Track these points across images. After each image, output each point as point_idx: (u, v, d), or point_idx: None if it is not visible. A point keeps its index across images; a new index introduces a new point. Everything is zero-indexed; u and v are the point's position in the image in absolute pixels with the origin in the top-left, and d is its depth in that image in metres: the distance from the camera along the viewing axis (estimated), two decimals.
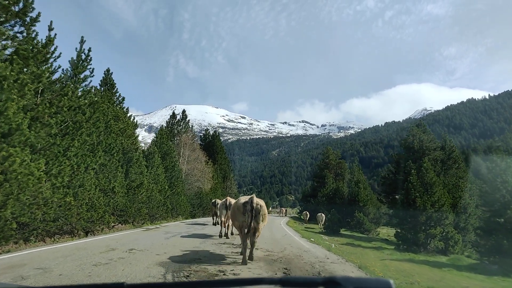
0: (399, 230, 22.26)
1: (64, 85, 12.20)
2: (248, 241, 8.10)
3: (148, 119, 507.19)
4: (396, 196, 28.96)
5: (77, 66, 14.22)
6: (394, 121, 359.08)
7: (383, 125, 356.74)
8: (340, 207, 40.92)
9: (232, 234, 14.56)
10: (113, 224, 16.25)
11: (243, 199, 8.53)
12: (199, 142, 55.48)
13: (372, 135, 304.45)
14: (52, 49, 12.27)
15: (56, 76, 12.80)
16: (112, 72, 19.68)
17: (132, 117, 25.39)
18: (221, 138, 64.37)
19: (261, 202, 8.36)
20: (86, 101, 14.11)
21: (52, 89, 12.39)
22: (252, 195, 8.49)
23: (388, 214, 37.39)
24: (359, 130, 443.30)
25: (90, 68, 14.79)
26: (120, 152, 17.96)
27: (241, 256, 8.26)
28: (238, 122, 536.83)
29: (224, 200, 14.14)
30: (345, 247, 17.63)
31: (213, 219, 20.66)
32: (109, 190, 14.74)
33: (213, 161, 49.70)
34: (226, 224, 14.07)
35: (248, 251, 8.13)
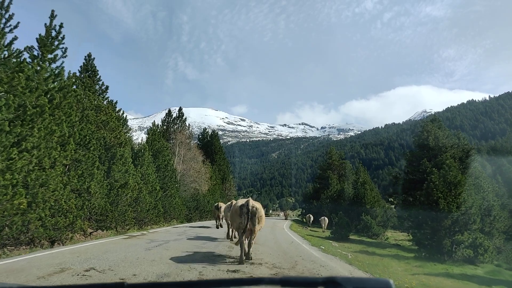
0: (416, 235, 19.90)
1: (21, 61, 9.88)
2: (246, 242, 8.69)
3: (147, 122, 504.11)
4: (410, 198, 26.49)
5: (44, 44, 11.89)
6: (394, 123, 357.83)
7: (383, 127, 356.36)
8: (345, 209, 38.67)
9: (235, 237, 13.95)
10: (90, 231, 13.87)
11: (241, 201, 8.96)
12: (197, 142, 53.11)
13: (372, 137, 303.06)
14: (7, 16, 10.01)
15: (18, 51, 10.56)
16: (94, 58, 17.28)
17: (119, 110, 23.04)
18: (220, 140, 61.94)
19: (257, 205, 8.69)
20: (55, 84, 11.79)
21: (7, 65, 10.10)
22: (248, 198, 8.80)
23: (397, 216, 34.93)
24: (359, 132, 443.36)
25: (63, 48, 12.49)
26: (100, 147, 15.60)
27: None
28: (238, 125, 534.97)
29: (229, 203, 14.40)
30: (360, 256, 15.27)
31: (216, 222, 21.19)
32: (84, 190, 12.36)
33: (211, 161, 47.28)
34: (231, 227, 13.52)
35: (245, 251, 8.62)
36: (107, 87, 17.47)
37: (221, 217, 19.89)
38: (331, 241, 21.44)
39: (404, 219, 35.85)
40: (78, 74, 16.70)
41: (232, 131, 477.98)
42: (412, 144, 36.21)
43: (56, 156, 10.82)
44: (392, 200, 33.54)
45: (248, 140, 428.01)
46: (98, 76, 17.31)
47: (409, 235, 29.88)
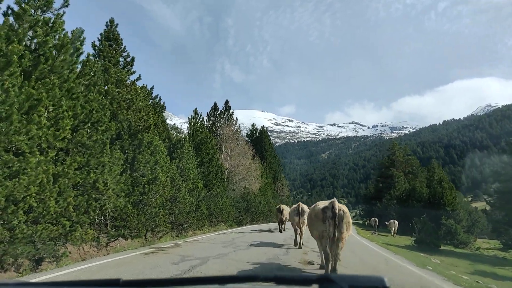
0: None
1: None
2: (330, 254, 6.87)
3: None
4: None
5: None
6: (453, 118, 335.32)
7: (441, 123, 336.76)
8: (419, 212, 33.04)
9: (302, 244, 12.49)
10: (107, 241, 10.27)
11: (322, 204, 7.46)
12: (246, 139, 49.44)
13: (430, 135, 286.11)
14: None
15: None
16: (117, 24, 13.93)
17: (155, 97, 19.73)
18: None
19: (344, 208, 7.11)
20: (47, 38, 8.30)
21: None
22: (333, 200, 7.18)
23: (491, 220, 28.69)
24: (414, 129, 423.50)
25: None
26: (123, 132, 12.07)
27: None
28: (286, 125, 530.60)
29: (295, 205, 12.86)
30: (485, 280, 10.35)
31: (279, 225, 20.16)
32: (89, 186, 8.75)
33: (261, 159, 43.33)
34: (299, 232, 12.43)
35: (330, 265, 6.81)
36: (132, 59, 14.01)
37: (284, 220, 19.10)
38: (420, 253, 16.45)
39: (495, 223, 29.33)
40: (97, 43, 13.37)
41: (280, 132, 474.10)
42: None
43: (40, 135, 7.25)
44: (491, 201, 27.28)
45: (296, 141, 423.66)
46: (122, 47, 13.92)
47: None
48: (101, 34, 13.50)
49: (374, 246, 15.88)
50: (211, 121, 37.17)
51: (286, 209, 20.45)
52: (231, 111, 38.89)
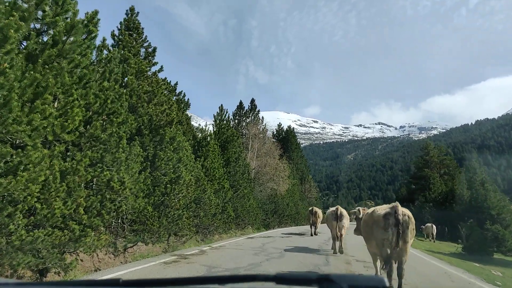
0: None
1: None
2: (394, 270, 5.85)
3: None
4: None
5: None
6: (487, 118, 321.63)
7: (473, 123, 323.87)
8: (459, 216, 30.76)
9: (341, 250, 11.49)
10: (125, 247, 9.21)
11: (381, 209, 6.52)
12: (272, 139, 48.13)
13: (461, 135, 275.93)
14: None
15: None
16: (138, 13, 12.94)
17: (179, 93, 18.75)
18: None
19: (408, 212, 6.20)
20: (57, 18, 7.35)
21: None
22: (395, 204, 6.26)
23: None
24: (444, 130, 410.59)
25: None
26: (144, 126, 11.06)
27: None
28: (310, 127, 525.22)
29: (333, 209, 12.05)
30: None
31: (311, 229, 19.51)
32: (104, 185, 7.70)
33: (288, 159, 41.93)
34: (339, 237, 11.41)
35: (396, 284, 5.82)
36: (154, 49, 13.01)
37: (316, 223, 18.92)
38: (472, 262, 14.65)
39: None
40: (117, 33, 12.44)
41: (304, 133, 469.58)
42: None
43: (45, 126, 6.24)
44: None
45: (321, 142, 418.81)
46: (143, 37, 12.95)
47: None
48: (120, 23, 12.56)
49: (420, 253, 14.21)
50: (236, 120, 36.11)
51: (319, 212, 19.36)
52: (257, 109, 37.74)
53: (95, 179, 7.56)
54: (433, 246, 23.11)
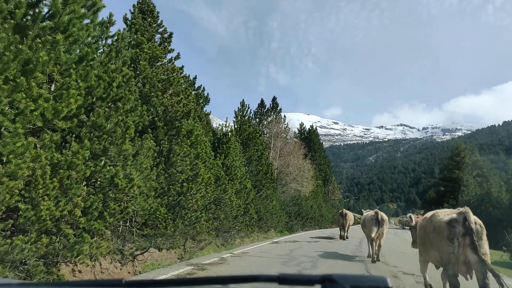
0: None
1: None
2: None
3: None
4: None
5: None
6: None
7: (500, 124, 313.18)
8: (497, 220, 28.52)
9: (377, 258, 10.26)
10: (136, 254, 7.99)
11: (444, 214, 5.14)
12: (295, 139, 46.67)
13: (488, 137, 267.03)
14: None
15: None
16: None
17: (198, 87, 17.61)
18: None
19: (478, 220, 4.96)
20: None
21: None
22: (464, 209, 4.92)
23: None
24: (469, 131, 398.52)
25: None
26: (158, 118, 9.87)
27: None
28: (331, 128, 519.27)
29: (372, 213, 10.88)
30: None
31: (340, 232, 18.63)
32: (106, 182, 6.50)
33: (311, 159, 40.37)
34: (376, 243, 10.30)
35: None
36: (170, 35, 11.84)
37: (347, 226, 18.17)
38: None
39: None
40: (129, 17, 11.36)
41: (325, 135, 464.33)
42: None
43: (33, 109, 5.06)
44: None
45: (342, 144, 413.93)
46: (158, 21, 11.83)
47: None
48: (133, 5, 11.45)
49: None
50: (258, 119, 34.90)
51: (350, 214, 17.99)
52: (278, 108, 36.40)
53: (96, 175, 6.36)
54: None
